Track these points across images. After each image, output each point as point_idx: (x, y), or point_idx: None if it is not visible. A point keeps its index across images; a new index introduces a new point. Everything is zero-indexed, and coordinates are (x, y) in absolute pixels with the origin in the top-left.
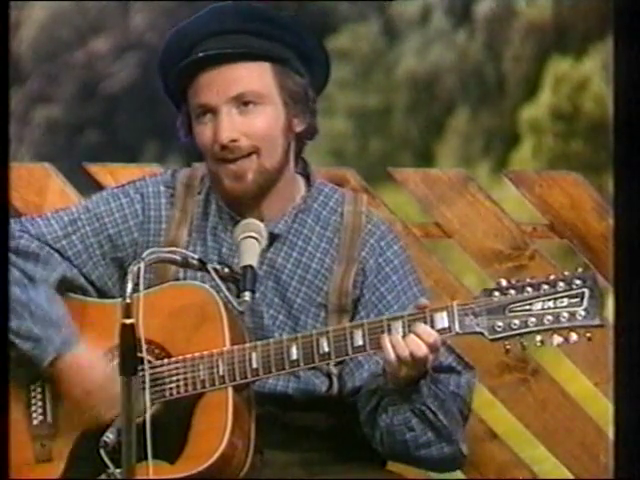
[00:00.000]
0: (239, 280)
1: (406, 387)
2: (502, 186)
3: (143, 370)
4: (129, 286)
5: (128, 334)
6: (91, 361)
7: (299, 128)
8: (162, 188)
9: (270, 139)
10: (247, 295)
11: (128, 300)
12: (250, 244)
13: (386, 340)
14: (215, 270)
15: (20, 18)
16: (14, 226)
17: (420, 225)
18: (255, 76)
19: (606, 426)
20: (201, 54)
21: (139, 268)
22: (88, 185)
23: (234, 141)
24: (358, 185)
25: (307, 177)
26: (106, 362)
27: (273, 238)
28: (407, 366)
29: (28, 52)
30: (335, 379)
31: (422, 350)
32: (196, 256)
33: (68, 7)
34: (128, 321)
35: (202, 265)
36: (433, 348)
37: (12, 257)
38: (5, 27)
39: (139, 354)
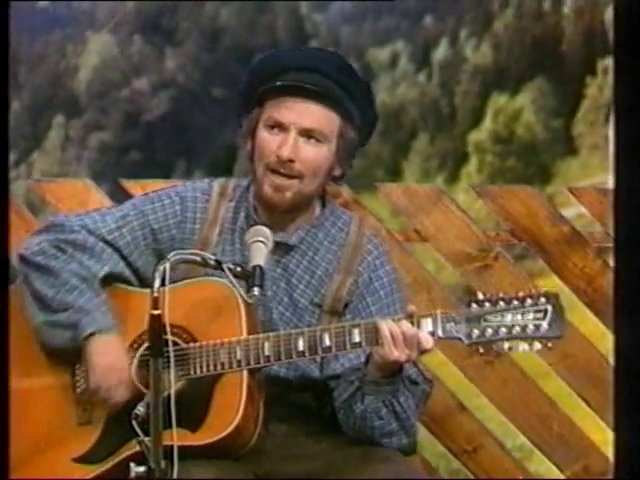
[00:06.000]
0: (249, 277)
1: (384, 380)
2: (462, 196)
3: (168, 352)
4: (157, 282)
5: (155, 323)
6: (117, 349)
7: (337, 173)
8: (199, 194)
9: (315, 172)
10: (256, 290)
11: (156, 294)
12: (258, 247)
13: (384, 327)
14: (229, 269)
15: (78, 63)
16: (74, 220)
17: (401, 231)
18: (328, 120)
19: (559, 399)
20: (304, 84)
21: (165, 267)
22: (124, 198)
23: (291, 161)
24: (349, 198)
25: (322, 198)
26: (127, 352)
27: (289, 248)
28: (399, 350)
29: (85, 90)
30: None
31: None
32: (213, 257)
33: (115, 55)
34: (156, 312)
35: (218, 265)
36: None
37: (70, 249)
38: (5, 27)
39: (165, 338)
